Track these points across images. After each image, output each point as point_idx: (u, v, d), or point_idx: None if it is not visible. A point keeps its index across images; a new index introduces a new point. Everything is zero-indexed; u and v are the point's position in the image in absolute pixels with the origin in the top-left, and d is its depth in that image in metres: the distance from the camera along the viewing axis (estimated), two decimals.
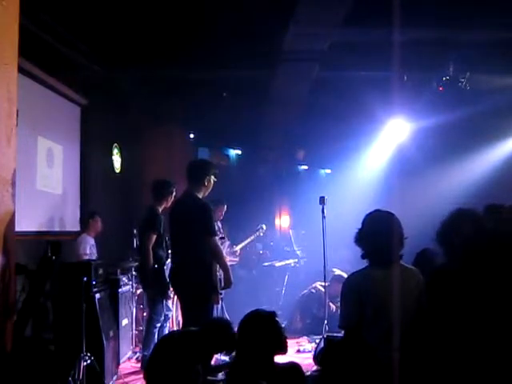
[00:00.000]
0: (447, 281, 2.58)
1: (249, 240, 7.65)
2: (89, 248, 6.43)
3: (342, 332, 3.02)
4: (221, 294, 4.73)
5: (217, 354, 4.12)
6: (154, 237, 5.50)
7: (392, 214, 3.01)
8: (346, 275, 7.12)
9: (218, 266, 4.66)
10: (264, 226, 7.81)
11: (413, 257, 3.83)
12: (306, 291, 7.58)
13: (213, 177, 4.84)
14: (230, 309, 5.68)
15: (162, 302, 5.53)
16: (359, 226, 3.03)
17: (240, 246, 7.37)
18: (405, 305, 2.80)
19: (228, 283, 4.63)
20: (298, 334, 6.96)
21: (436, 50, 6.62)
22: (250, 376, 2.90)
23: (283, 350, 3.08)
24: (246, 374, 2.92)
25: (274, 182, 11.29)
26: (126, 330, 5.77)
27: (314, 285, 7.40)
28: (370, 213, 3.05)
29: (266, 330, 2.99)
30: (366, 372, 2.33)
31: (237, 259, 7.24)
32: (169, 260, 5.53)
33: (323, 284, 6.22)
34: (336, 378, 2.37)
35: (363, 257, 3.00)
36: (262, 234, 7.86)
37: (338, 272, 7.30)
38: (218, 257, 4.62)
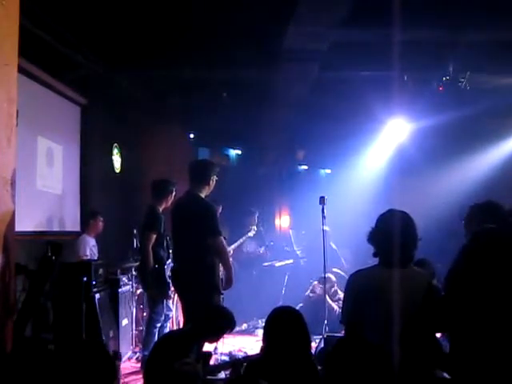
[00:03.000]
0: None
1: (240, 241, 7.74)
2: (89, 249, 6.41)
3: (343, 330, 3.04)
4: (222, 294, 4.74)
5: (217, 337, 4.13)
6: (154, 237, 5.49)
7: (404, 215, 2.98)
8: (343, 273, 7.14)
9: (219, 265, 4.67)
10: (255, 227, 7.90)
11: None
12: (310, 294, 7.49)
13: (215, 176, 4.85)
14: (231, 309, 5.66)
15: (162, 301, 5.52)
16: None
17: (232, 247, 7.40)
18: (405, 307, 2.79)
19: (229, 282, 4.64)
20: None
21: (436, 50, 6.62)
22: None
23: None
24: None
25: (274, 182, 11.28)
26: (125, 330, 5.77)
27: (313, 283, 7.30)
28: (384, 212, 3.04)
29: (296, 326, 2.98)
30: (367, 368, 2.32)
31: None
32: (169, 260, 5.53)
33: (321, 285, 6.20)
34: (338, 374, 2.36)
35: (375, 255, 3.02)
36: (251, 235, 7.99)
37: (335, 270, 7.29)
38: (222, 256, 4.62)
